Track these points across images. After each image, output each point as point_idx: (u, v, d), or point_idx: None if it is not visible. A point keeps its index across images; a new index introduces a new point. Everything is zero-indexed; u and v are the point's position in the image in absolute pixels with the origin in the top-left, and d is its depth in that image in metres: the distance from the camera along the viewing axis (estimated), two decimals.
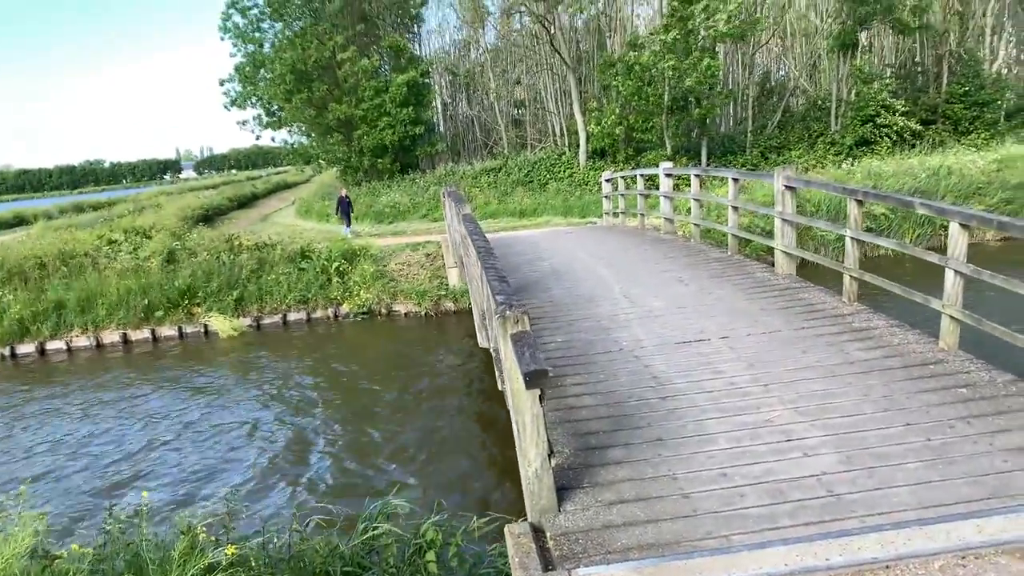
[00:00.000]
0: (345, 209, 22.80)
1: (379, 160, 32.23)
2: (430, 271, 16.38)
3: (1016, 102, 30.20)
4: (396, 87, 30.61)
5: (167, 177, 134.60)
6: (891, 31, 30.48)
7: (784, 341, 6.73)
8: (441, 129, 40.34)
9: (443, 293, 15.56)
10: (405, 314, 15.76)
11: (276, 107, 34.64)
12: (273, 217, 33.39)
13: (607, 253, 12.37)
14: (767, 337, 6.89)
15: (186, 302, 15.58)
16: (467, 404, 10.43)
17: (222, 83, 35.20)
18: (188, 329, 15.43)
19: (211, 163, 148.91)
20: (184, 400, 11.54)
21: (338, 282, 16.14)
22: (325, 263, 16.43)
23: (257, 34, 33.60)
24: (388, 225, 25.32)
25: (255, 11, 33.07)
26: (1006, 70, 33.03)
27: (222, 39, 34.14)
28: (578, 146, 30.55)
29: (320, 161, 37.97)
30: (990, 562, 3.55)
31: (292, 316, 15.84)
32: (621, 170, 24.01)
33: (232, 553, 4.31)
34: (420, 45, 39.58)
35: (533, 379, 3.74)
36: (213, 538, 4.71)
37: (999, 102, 28.90)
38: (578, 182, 28.72)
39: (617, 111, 28.34)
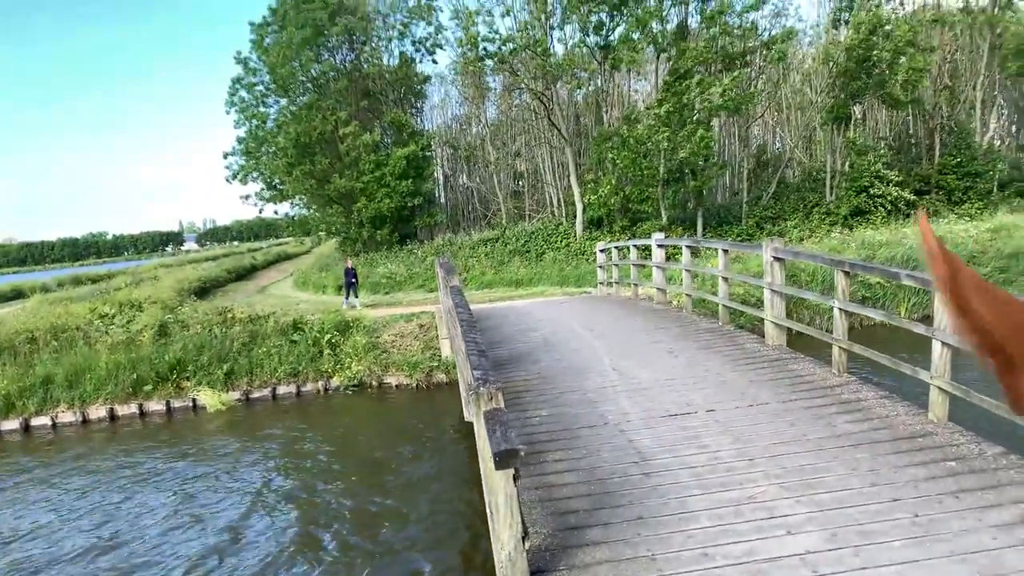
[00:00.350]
0: (350, 280, 22.72)
1: (378, 231, 32.53)
2: (423, 342, 16.26)
3: (1009, 172, 30.59)
4: (396, 160, 31.15)
5: (169, 249, 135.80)
6: (883, 105, 31.13)
7: (772, 414, 6.61)
8: (441, 200, 40.92)
9: (435, 364, 15.40)
10: (396, 386, 15.57)
11: (278, 181, 35.20)
12: (271, 289, 33.52)
13: (599, 324, 12.31)
14: (755, 410, 6.77)
15: (175, 376, 15.40)
16: (447, 486, 10.07)
17: (226, 156, 35.89)
18: (176, 403, 15.17)
19: (213, 235, 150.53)
20: (159, 479, 11.23)
21: (329, 354, 15.98)
22: (317, 335, 16.32)
23: (262, 109, 34.41)
24: (384, 295, 25.35)
25: (260, 87, 33.95)
26: (998, 141, 33.63)
27: (227, 112, 34.95)
28: (575, 216, 30.87)
29: (320, 232, 38.36)
30: None
31: (281, 389, 15.62)
32: (617, 240, 24.16)
33: None
34: (422, 119, 40.51)
35: (503, 459, 3.65)
36: None
37: (991, 172, 29.29)
38: (574, 252, 28.89)
39: (613, 182, 28.73)
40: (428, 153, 35.18)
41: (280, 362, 15.80)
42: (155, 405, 15.17)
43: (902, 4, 32.18)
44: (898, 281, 7.51)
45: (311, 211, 37.08)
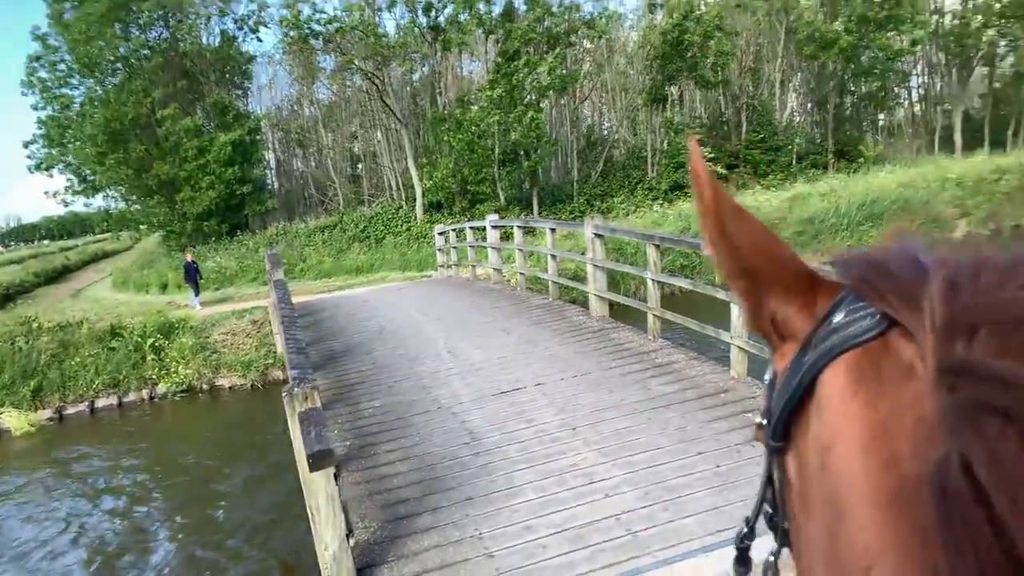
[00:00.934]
0: (193, 276, 20.88)
1: (204, 223, 30.69)
2: (257, 339, 15.63)
3: (805, 146, 33.53)
4: (221, 145, 29.48)
5: None
6: (697, 86, 33.18)
7: (593, 382, 6.96)
8: (274, 187, 39.38)
9: (271, 362, 14.88)
10: (230, 388, 14.88)
11: (88, 171, 32.38)
12: (87, 291, 30.95)
13: (435, 307, 12.40)
14: (578, 380, 7.09)
15: None
16: (284, 488, 9.79)
17: (26, 145, 32.63)
18: None
19: (18, 234, 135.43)
20: None
21: (154, 359, 14.93)
22: (139, 339, 15.22)
23: (65, 91, 31.42)
24: (215, 291, 24.09)
25: (63, 65, 30.90)
26: (796, 118, 36.79)
27: (23, 94, 31.57)
28: (415, 200, 30.74)
29: (140, 227, 35.72)
30: None
31: (101, 402, 14.42)
32: (457, 222, 24.32)
33: None
34: (249, 102, 38.71)
35: (317, 460, 3.62)
36: None
37: (790, 147, 32.05)
38: (416, 235, 28.78)
39: (450, 165, 28.85)
40: (257, 137, 33.63)
41: (97, 372, 14.59)
42: None
43: None
44: (700, 252, 8.09)
45: (129, 203, 34.36)
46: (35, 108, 31.92)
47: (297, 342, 5.72)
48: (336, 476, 3.98)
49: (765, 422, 0.60)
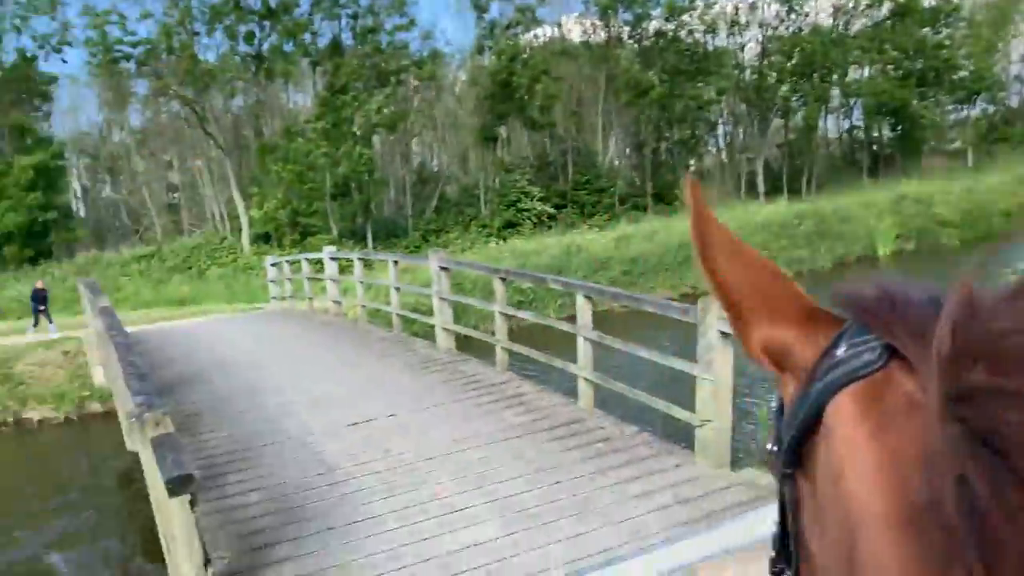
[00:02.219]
0: (42, 303, 18.40)
1: (4, 247, 27.86)
2: (70, 371, 14.35)
3: (627, 188, 35.79)
4: (21, 169, 27.01)
5: None
6: (525, 127, 34.58)
7: (447, 413, 7.03)
8: (81, 214, 36.34)
9: (87, 394, 13.72)
10: (39, 421, 13.58)
11: None
12: None
13: (273, 340, 11.99)
14: (432, 411, 7.15)
15: None
16: (113, 527, 9.10)
17: None
18: None
19: None
20: None
21: None
22: None
23: None
24: (17, 321, 21.71)
25: None
26: (617, 161, 39.26)
27: None
28: (240, 230, 29.49)
29: None
30: None
31: None
32: (288, 254, 23.59)
33: None
34: (51, 124, 35.55)
35: (177, 486, 3.46)
36: None
37: (613, 188, 34.12)
38: (242, 267, 27.60)
39: (279, 196, 28.03)
40: (60, 162, 31.02)
41: None
42: None
43: (536, 36, 36.04)
44: (546, 285, 8.48)
45: None
46: None
47: (137, 368, 5.37)
48: (192, 504, 3.79)
49: (776, 450, 0.62)
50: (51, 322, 18.58)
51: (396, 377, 8.60)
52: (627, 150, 40.59)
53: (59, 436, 13.03)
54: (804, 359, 0.59)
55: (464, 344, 10.25)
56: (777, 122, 42.99)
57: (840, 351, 0.55)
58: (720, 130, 45.54)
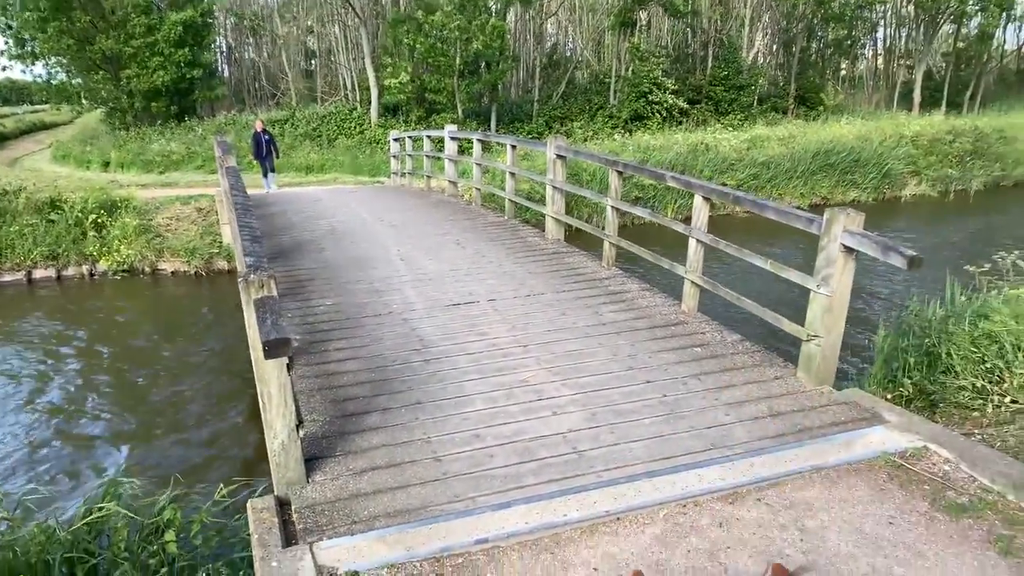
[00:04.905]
0: (268, 150, 17.16)
1: (153, 103, 29.41)
2: (202, 227, 15.24)
3: (768, 88, 33.55)
4: (171, 25, 27.96)
5: None
6: (666, 14, 32.61)
7: (546, 303, 7.00)
8: (224, 74, 37.65)
9: (216, 251, 14.58)
10: (172, 272, 14.60)
11: (28, 36, 30.24)
12: (24, 161, 29.43)
13: (389, 214, 12.21)
14: (531, 299, 7.13)
15: None
16: (227, 375, 9.73)
17: None
18: None
19: None
20: None
21: (95, 236, 14.57)
22: (80, 215, 14.74)
23: None
24: (159, 175, 23.22)
25: None
26: (761, 59, 36.65)
27: None
28: (370, 102, 29.82)
29: (83, 101, 33.79)
30: (706, 508, 3.91)
31: (39, 273, 14.10)
32: (413, 129, 23.76)
33: None
34: None
35: (273, 349, 3.55)
36: None
37: (753, 87, 32.00)
38: (369, 140, 28.08)
39: (410, 69, 27.98)
40: (209, 20, 31.90)
41: (36, 243, 14.19)
42: None
43: None
44: (664, 183, 8.12)
45: (71, 76, 32.40)
46: None
47: (252, 230, 5.55)
48: (288, 367, 3.93)
49: None
50: (271, 171, 16.92)
51: (501, 262, 8.61)
52: (774, 47, 37.72)
53: (188, 289, 13.96)
54: None
55: (574, 236, 10.09)
56: (947, 28, 38.70)
57: None
58: (880, 32, 41.49)
